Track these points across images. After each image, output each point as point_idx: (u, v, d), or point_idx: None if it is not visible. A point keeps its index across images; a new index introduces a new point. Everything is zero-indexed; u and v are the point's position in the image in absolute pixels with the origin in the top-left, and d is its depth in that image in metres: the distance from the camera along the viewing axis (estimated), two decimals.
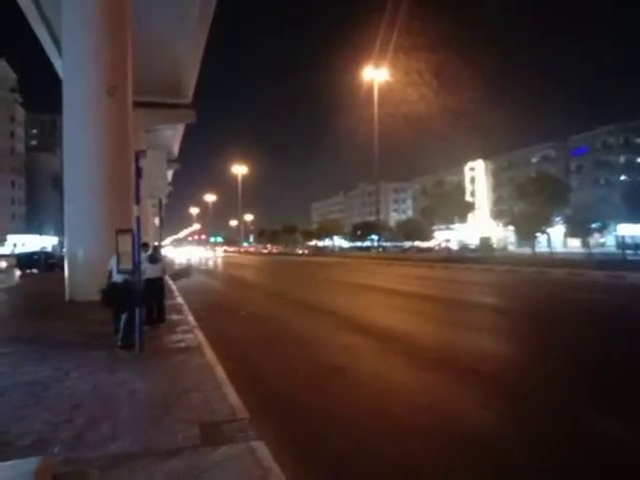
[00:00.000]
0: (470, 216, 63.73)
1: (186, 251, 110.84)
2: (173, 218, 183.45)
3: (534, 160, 77.88)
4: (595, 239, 51.62)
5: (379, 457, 4.15)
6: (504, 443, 4.38)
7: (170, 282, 19.87)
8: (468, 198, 66.97)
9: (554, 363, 7.32)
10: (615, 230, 52.19)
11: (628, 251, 36.69)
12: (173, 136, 48.56)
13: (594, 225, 41.76)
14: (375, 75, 50.90)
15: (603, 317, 11.84)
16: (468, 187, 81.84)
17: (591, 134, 70.81)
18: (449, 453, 4.18)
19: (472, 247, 61.17)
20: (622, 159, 67.31)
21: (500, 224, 69.01)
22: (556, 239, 53.74)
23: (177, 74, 32.59)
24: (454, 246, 68.41)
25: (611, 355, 7.79)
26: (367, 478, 3.84)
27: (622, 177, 65.32)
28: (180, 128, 45.89)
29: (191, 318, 11.25)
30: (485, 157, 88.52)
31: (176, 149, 55.61)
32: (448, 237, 73.62)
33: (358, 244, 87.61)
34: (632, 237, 46.36)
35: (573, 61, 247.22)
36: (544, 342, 8.93)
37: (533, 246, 41.87)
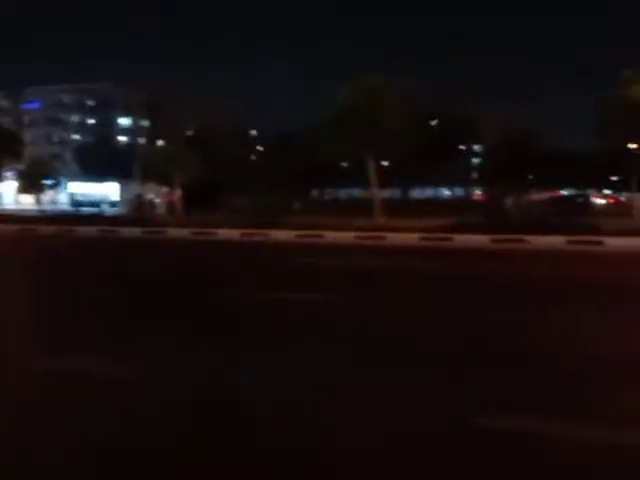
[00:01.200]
0: None
1: None
2: None
3: None
4: (49, 196, 51.95)
5: None
6: None
7: None
8: None
9: None
10: (66, 187, 54.37)
11: (82, 208, 39.62)
12: None
13: (47, 182, 42.16)
14: None
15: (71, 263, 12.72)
16: None
17: (46, 89, 69.60)
18: None
19: None
20: (75, 118, 70.06)
21: None
22: (9, 195, 50.87)
23: None
24: None
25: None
26: None
27: (74, 136, 68.16)
28: None
29: None
30: None
31: None
32: None
33: None
34: (83, 194, 49.98)
35: None
36: None
37: None
